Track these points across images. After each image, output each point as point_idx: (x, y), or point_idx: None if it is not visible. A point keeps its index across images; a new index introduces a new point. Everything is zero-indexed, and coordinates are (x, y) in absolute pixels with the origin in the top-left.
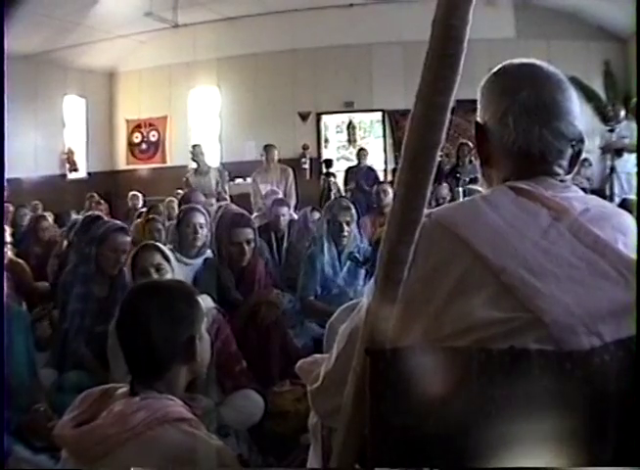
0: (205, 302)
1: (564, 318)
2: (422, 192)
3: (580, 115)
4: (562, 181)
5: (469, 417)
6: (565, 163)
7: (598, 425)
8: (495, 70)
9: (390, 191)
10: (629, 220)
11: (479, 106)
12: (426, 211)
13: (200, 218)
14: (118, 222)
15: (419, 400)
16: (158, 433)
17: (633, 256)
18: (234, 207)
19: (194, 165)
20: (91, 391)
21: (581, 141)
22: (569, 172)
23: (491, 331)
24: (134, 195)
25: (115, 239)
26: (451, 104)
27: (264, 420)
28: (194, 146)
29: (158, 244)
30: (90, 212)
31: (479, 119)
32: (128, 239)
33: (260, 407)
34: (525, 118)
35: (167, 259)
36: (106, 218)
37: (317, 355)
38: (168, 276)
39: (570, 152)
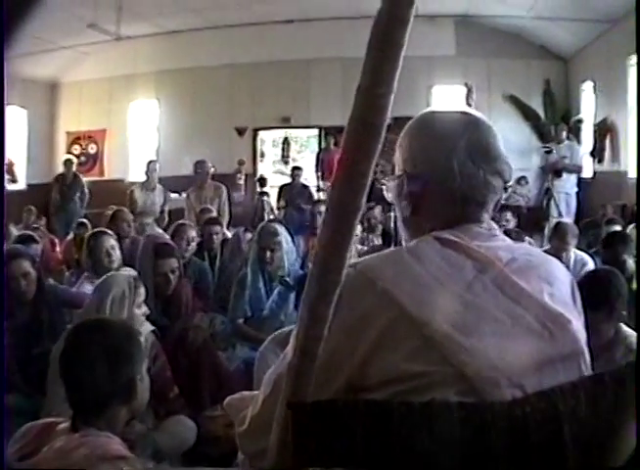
0: (145, 326)
1: (487, 372)
2: (341, 254)
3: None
4: (488, 228)
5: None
6: (492, 206)
7: None
8: (418, 118)
9: None
10: (557, 268)
11: (404, 155)
12: (351, 261)
13: (110, 241)
14: (14, 247)
15: (342, 453)
16: None
17: (560, 305)
18: (158, 234)
19: (132, 179)
20: (33, 424)
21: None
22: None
23: (413, 384)
24: (29, 209)
25: (13, 268)
26: (371, 170)
27: (197, 445)
28: (150, 162)
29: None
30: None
31: (405, 169)
32: (27, 262)
33: (193, 432)
34: (469, 164)
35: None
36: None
37: (245, 393)
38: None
39: (500, 194)
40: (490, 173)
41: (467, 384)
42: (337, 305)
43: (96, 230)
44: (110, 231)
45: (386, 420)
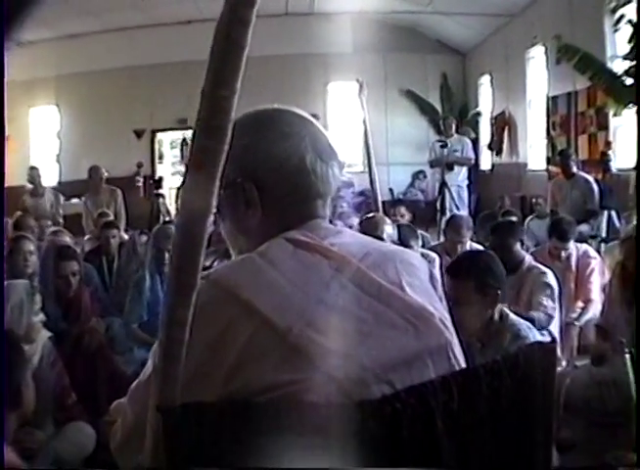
0: (42, 333)
1: (356, 372)
2: (195, 258)
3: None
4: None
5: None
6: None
7: None
8: (247, 120)
9: None
10: (412, 257)
11: (240, 160)
12: (203, 272)
13: (30, 246)
14: None
15: (213, 455)
16: None
17: (422, 295)
18: (61, 238)
19: (30, 187)
20: None
21: None
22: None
23: (282, 392)
24: None
25: None
26: (219, 173)
27: (97, 451)
28: (31, 168)
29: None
30: None
31: (243, 174)
32: None
33: (92, 439)
34: (318, 160)
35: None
36: None
37: None
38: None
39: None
40: (335, 167)
41: (336, 386)
42: (195, 319)
43: (18, 234)
44: (31, 236)
45: (253, 421)
